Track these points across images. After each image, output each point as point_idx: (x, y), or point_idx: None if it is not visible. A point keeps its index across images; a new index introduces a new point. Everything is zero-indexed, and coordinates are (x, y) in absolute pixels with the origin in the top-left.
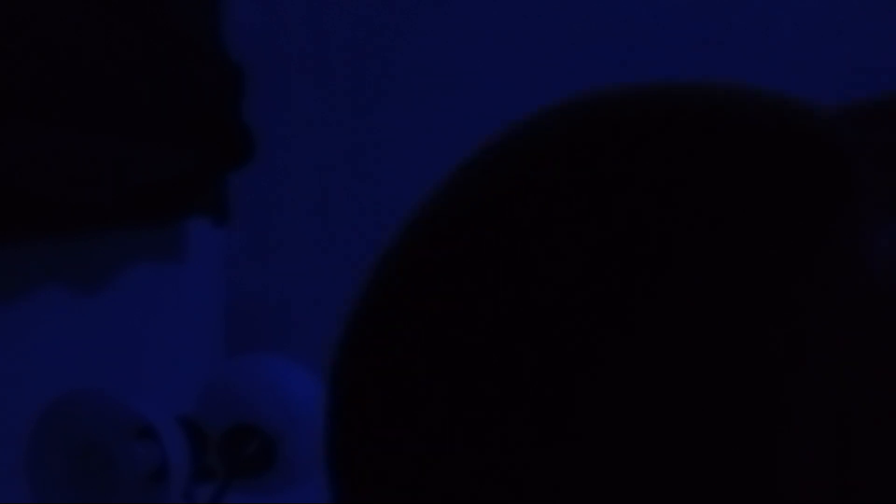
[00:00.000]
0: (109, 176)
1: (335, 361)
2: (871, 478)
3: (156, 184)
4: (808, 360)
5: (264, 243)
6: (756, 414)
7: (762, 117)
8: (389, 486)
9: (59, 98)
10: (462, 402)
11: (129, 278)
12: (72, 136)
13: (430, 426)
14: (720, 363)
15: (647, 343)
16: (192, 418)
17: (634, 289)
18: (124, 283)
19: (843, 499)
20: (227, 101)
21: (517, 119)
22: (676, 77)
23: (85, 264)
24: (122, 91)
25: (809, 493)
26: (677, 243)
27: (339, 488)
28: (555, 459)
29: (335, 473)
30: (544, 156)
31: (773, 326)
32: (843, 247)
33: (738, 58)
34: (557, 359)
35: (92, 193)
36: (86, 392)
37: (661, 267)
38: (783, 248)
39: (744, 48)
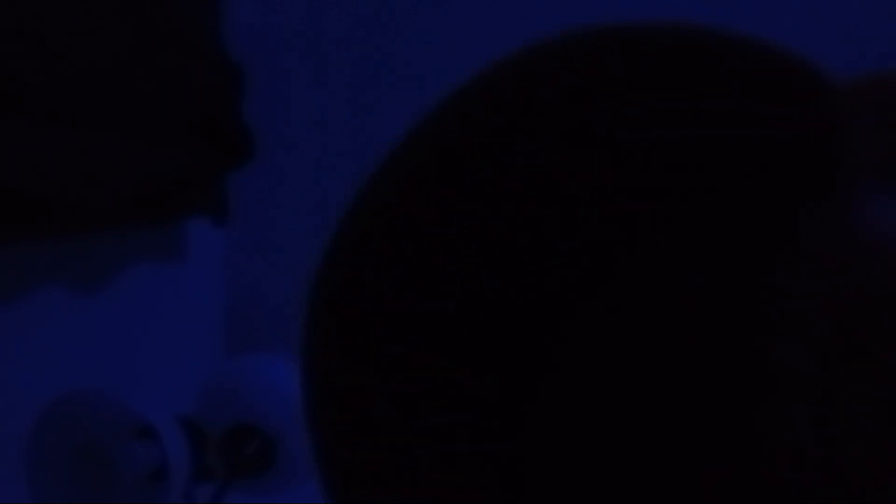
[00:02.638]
0: (109, 176)
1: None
2: (851, 448)
3: (156, 184)
4: (791, 324)
5: (264, 243)
6: (738, 383)
7: (759, 64)
8: (365, 447)
9: (58, 98)
10: (433, 367)
11: (129, 278)
12: (72, 136)
13: (401, 393)
14: (703, 323)
15: (629, 300)
16: (192, 418)
17: (618, 241)
18: (124, 283)
19: (825, 470)
20: (227, 101)
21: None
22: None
23: (85, 264)
24: (121, 91)
25: (791, 466)
26: (663, 193)
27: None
28: (533, 424)
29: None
30: (530, 95)
31: (757, 285)
32: (832, 208)
33: None
34: (535, 315)
35: (92, 193)
36: (86, 392)
37: (647, 216)
38: (770, 205)
39: None
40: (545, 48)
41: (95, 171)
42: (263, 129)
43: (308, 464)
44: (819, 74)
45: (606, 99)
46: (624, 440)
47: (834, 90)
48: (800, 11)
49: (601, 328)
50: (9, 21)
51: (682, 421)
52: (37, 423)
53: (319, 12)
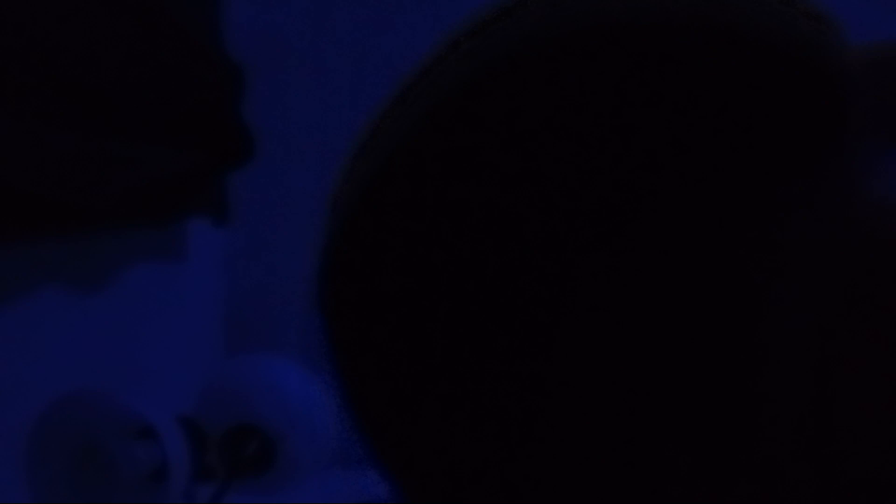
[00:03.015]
0: (109, 176)
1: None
2: (851, 418)
3: (156, 184)
4: (794, 281)
5: (264, 243)
6: (739, 350)
7: (767, 33)
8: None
9: (58, 98)
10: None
11: (129, 278)
12: (72, 136)
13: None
14: (705, 279)
15: (636, 254)
16: (192, 418)
17: (630, 198)
18: (124, 283)
19: (820, 435)
20: (227, 101)
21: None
22: None
23: (85, 264)
24: (121, 91)
25: (790, 428)
26: (671, 150)
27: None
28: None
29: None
30: (528, 83)
31: (764, 243)
32: (838, 164)
33: None
34: (539, 299)
35: (92, 193)
36: (86, 392)
37: (657, 175)
38: (774, 167)
39: None
40: (538, 39)
41: (95, 171)
42: (263, 129)
43: (308, 464)
44: (820, 43)
45: (612, 77)
46: (625, 423)
47: (835, 58)
48: None
49: (609, 292)
50: (8, 21)
51: (684, 392)
52: (37, 423)
53: (319, 12)
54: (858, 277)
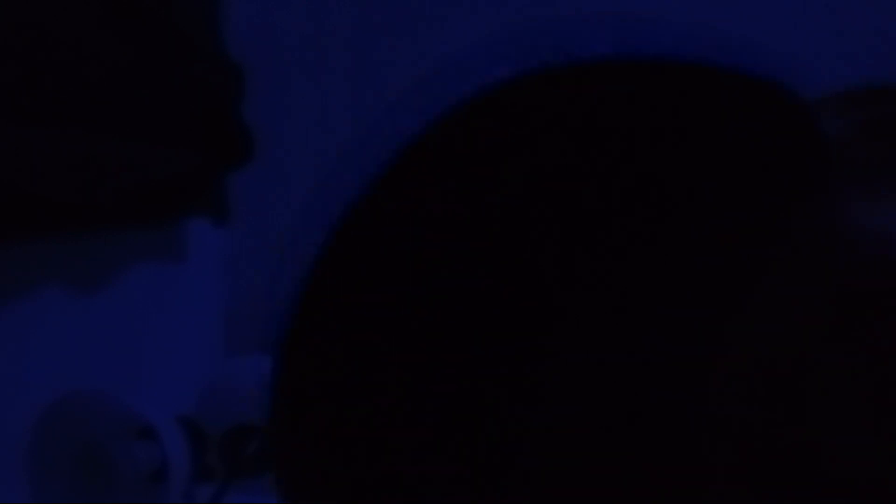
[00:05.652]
0: (109, 176)
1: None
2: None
3: (156, 184)
4: (774, 308)
5: (264, 243)
6: (713, 369)
7: (742, 85)
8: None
9: (58, 98)
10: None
11: (129, 278)
12: (72, 136)
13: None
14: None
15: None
16: (192, 418)
17: (630, 218)
18: (124, 283)
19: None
20: (227, 101)
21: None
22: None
23: (85, 264)
24: (122, 91)
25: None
26: (669, 181)
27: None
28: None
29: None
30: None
31: (746, 272)
32: (817, 206)
33: None
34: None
35: (92, 193)
36: (86, 392)
37: (654, 200)
38: (761, 197)
39: None
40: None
41: (95, 171)
42: (263, 129)
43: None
44: (797, 90)
45: (611, 112)
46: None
47: (809, 105)
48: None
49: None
50: (9, 21)
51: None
52: (37, 423)
53: (319, 12)
54: (840, 289)
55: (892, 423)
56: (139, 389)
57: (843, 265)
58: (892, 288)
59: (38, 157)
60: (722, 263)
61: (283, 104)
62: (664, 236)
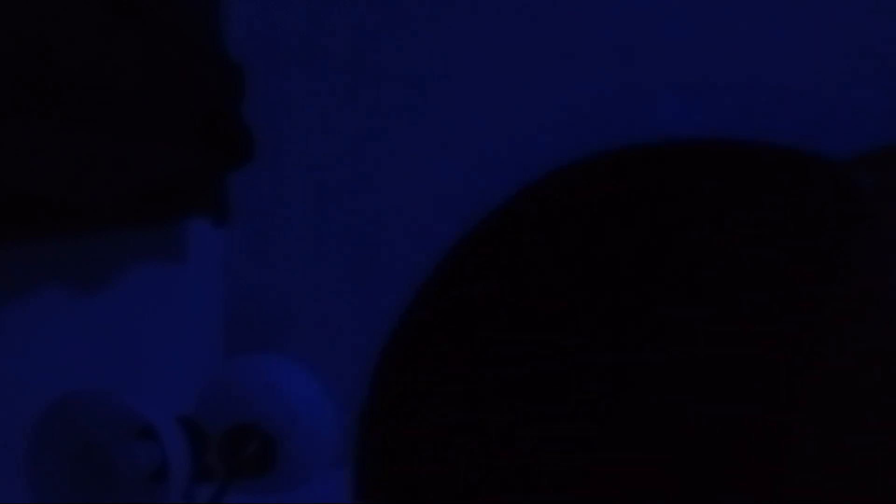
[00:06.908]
0: (109, 176)
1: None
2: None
3: (156, 184)
4: (817, 388)
5: (264, 243)
6: (767, 418)
7: (777, 167)
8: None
9: (59, 98)
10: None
11: (129, 278)
12: (72, 136)
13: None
14: (738, 367)
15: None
16: (192, 418)
17: (665, 298)
18: (124, 283)
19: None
20: (227, 101)
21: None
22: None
23: (85, 264)
24: (122, 91)
25: (814, 494)
26: (708, 256)
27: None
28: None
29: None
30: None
31: (790, 337)
32: (860, 274)
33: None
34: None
35: (92, 193)
36: (86, 392)
37: (693, 277)
38: (802, 268)
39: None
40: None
41: (95, 171)
42: (263, 129)
43: (308, 464)
44: (837, 170)
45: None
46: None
47: (850, 180)
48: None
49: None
50: (8, 20)
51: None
52: (37, 423)
53: (319, 12)
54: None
55: None
56: (139, 389)
57: (887, 335)
58: None
59: (38, 157)
60: (766, 340)
61: (283, 104)
62: (713, 318)
